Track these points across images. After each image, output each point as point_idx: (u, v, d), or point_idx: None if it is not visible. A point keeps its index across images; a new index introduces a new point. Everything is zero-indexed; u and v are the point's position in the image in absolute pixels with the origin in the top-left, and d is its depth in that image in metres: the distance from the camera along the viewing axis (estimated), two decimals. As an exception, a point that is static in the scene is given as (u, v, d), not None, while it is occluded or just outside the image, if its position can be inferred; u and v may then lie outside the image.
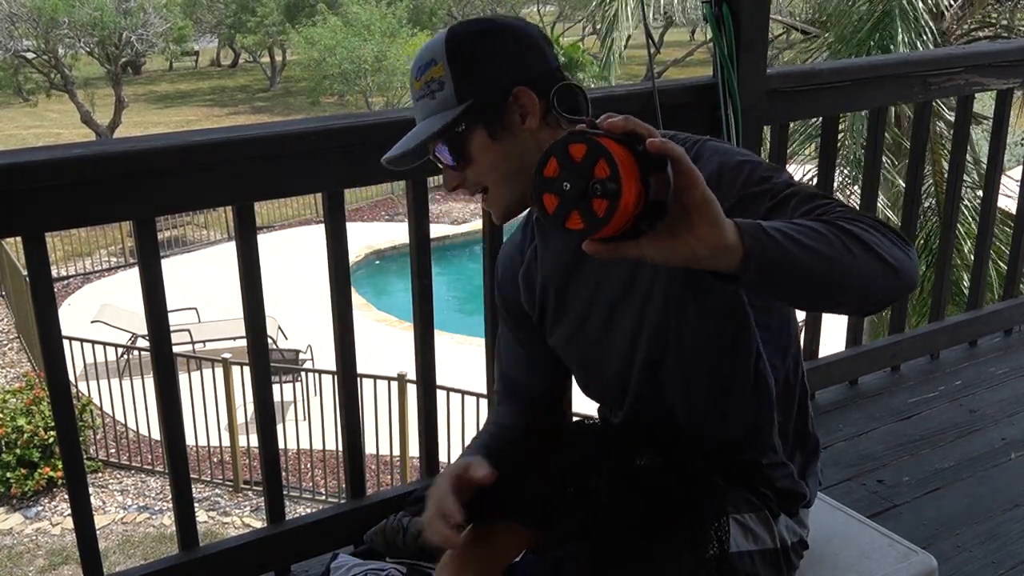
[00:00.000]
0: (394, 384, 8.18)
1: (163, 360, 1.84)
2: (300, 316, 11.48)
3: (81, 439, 2.43)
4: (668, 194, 0.89)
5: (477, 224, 13.78)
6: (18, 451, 8.32)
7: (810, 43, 8.16)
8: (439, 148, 1.31)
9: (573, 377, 1.54)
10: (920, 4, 6.92)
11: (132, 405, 9.09)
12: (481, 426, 1.57)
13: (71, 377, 7.36)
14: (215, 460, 8.85)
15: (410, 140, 1.32)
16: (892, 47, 6.75)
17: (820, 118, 2.79)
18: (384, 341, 10.81)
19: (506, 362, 1.57)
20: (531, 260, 1.45)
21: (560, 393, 1.58)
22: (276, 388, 2.29)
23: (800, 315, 2.03)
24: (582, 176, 0.87)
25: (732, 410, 1.37)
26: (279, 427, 2.51)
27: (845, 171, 7.19)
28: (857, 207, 1.83)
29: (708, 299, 1.28)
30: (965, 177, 3.38)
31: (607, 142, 0.87)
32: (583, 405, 1.64)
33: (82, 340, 9.45)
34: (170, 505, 4.54)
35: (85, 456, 6.51)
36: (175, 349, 3.08)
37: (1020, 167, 6.23)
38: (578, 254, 1.33)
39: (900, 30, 6.79)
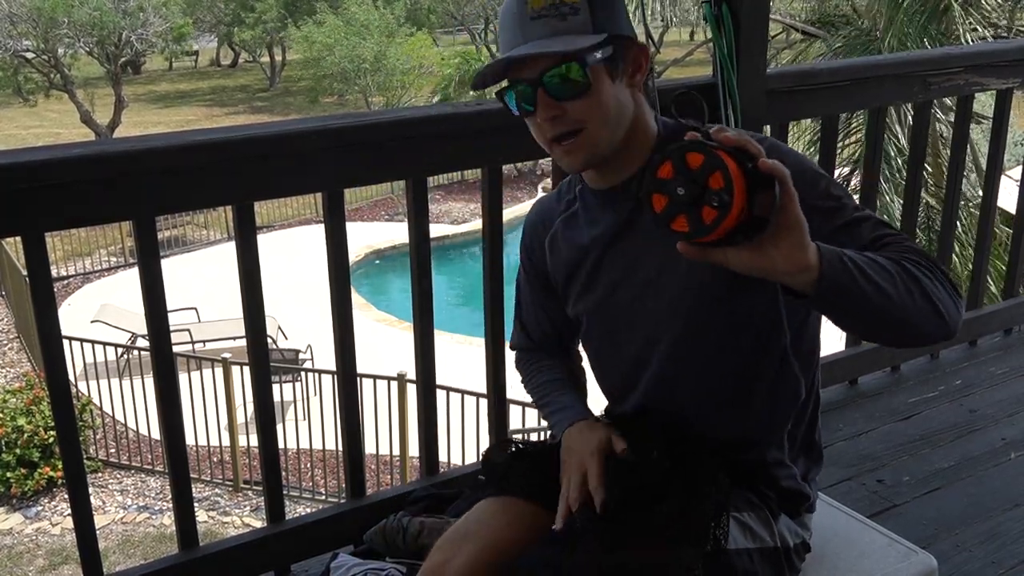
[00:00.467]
0: (394, 384, 8.18)
1: (163, 360, 1.84)
2: (300, 316, 11.48)
3: (81, 439, 2.43)
4: (772, 212, 0.95)
5: (477, 224, 13.77)
6: (18, 451, 8.31)
7: (830, 40, 8.01)
8: (548, 73, 1.24)
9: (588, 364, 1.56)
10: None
11: (132, 405, 9.09)
12: (534, 378, 1.60)
13: (71, 377, 7.37)
14: (215, 460, 8.85)
15: (545, 46, 1.23)
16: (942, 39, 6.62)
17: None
18: (384, 341, 10.80)
19: (527, 321, 1.60)
20: (562, 227, 1.45)
21: (575, 352, 1.64)
22: (276, 388, 2.29)
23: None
24: (697, 184, 0.92)
25: (747, 405, 1.38)
26: (279, 427, 2.51)
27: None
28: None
29: (744, 296, 1.29)
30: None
31: (723, 155, 0.92)
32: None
33: (82, 340, 9.45)
34: (170, 505, 4.54)
35: (85, 456, 6.51)
36: (175, 349, 3.07)
37: (1020, 167, 6.21)
38: (622, 230, 1.36)
39: (960, 19, 6.65)
